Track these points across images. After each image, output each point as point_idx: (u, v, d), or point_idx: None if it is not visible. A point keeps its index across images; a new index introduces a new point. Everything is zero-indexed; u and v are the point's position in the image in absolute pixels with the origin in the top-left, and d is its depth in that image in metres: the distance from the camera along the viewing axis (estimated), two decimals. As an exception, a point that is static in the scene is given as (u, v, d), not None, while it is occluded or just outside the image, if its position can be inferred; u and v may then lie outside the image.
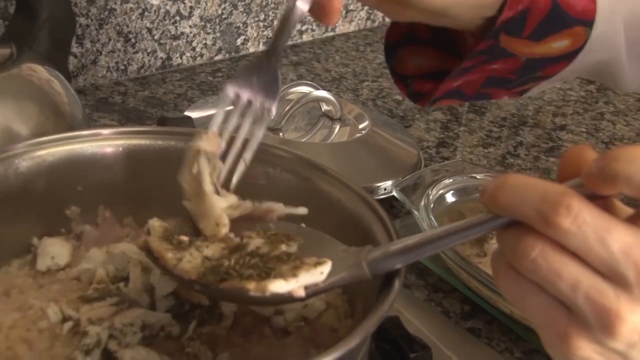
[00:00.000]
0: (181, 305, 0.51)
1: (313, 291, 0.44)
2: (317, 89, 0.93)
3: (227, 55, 1.24)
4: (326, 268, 0.44)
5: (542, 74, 0.62)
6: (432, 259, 0.75)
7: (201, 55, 1.20)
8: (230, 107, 0.50)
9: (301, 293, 0.43)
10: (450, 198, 0.81)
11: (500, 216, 0.38)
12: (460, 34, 0.63)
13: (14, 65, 0.71)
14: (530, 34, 0.58)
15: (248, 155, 0.50)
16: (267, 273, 0.43)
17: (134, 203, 0.60)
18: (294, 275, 0.43)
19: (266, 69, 0.50)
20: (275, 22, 1.28)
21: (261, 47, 1.28)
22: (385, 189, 0.84)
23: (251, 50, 1.26)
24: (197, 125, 0.85)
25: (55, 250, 0.55)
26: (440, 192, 0.80)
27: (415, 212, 0.76)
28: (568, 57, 0.60)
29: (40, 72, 0.73)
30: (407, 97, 0.66)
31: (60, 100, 0.73)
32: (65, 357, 0.47)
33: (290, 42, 1.32)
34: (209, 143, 0.48)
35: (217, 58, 1.23)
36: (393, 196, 0.81)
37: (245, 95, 0.49)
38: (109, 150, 0.58)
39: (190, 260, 0.46)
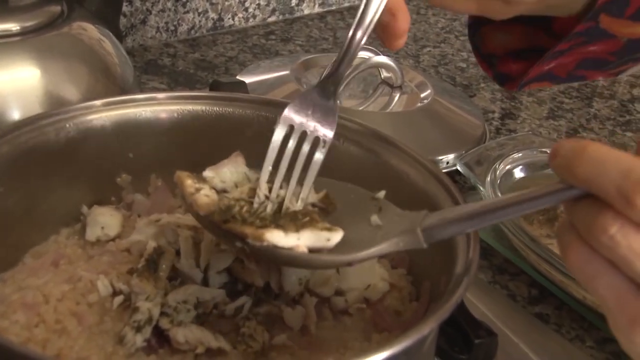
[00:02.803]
0: (234, 284, 0.49)
1: (364, 256, 0.42)
2: (377, 54, 0.89)
3: (280, 17, 1.20)
4: (335, 236, 0.42)
5: None
6: (498, 238, 0.71)
7: (254, 16, 1.16)
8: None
9: (303, 250, 0.41)
10: (518, 173, 0.77)
11: (572, 187, 0.36)
12: None
13: (65, 24, 0.70)
14: (633, 14, 0.55)
15: (305, 192, 0.45)
16: (271, 224, 0.42)
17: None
18: (297, 231, 0.41)
19: (325, 98, 0.47)
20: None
21: (317, 9, 1.24)
22: (447, 163, 0.81)
23: (306, 12, 1.22)
24: (251, 91, 0.82)
25: (105, 220, 0.54)
26: (508, 167, 0.77)
27: (481, 188, 0.73)
28: None
29: (90, 31, 0.72)
30: (493, 80, 0.63)
31: (111, 61, 0.71)
32: (115, 334, 0.45)
33: (347, 4, 1.27)
34: None
35: (270, 19, 1.19)
36: (456, 170, 0.79)
37: (301, 123, 0.46)
38: (163, 115, 0.56)
39: (208, 195, 0.44)
